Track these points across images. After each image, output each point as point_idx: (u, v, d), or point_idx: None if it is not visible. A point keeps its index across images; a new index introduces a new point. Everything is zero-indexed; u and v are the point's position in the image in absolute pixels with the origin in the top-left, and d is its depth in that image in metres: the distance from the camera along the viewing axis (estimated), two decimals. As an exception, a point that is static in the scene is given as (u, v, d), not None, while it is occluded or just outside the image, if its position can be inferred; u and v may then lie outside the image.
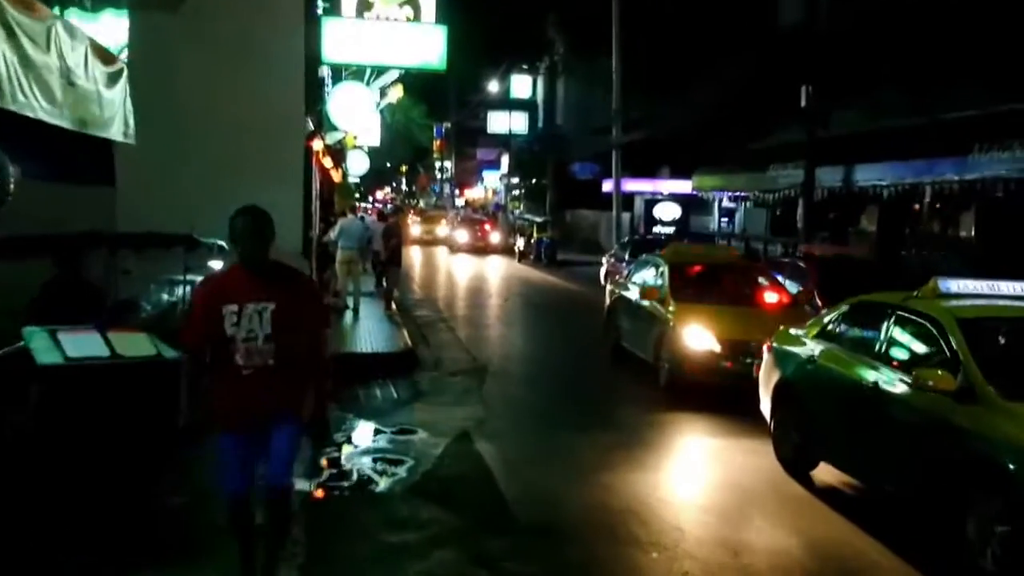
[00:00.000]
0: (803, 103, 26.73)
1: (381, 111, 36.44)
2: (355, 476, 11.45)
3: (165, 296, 12.34)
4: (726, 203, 43.78)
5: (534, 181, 64.53)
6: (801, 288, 18.10)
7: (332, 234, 24.07)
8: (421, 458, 12.17)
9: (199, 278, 12.51)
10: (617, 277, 22.13)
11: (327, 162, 25.58)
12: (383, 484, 11.18)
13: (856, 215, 31.40)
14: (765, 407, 12.76)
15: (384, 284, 26.13)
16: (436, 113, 74.53)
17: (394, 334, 20.86)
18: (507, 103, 68.48)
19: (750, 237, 34.96)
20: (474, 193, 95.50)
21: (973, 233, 25.82)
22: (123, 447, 8.78)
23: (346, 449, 12.63)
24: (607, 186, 49.04)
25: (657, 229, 44.64)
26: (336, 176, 32.62)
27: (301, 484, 10.42)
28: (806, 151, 27.36)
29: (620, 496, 10.77)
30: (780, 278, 18.43)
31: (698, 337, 15.71)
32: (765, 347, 13.10)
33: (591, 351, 20.70)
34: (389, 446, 12.88)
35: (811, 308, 16.80)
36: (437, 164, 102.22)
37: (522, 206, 68.04)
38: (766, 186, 32.09)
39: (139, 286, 12.31)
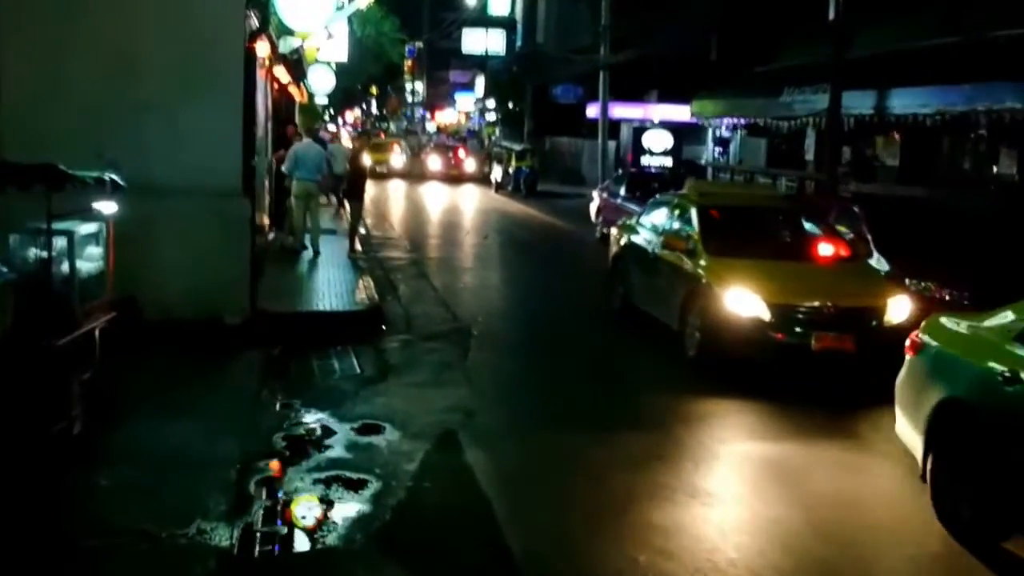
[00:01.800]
0: (831, 16, 23.25)
1: (349, 20, 32.65)
2: (298, 513, 8.08)
3: (30, 253, 8.88)
4: (723, 132, 40.44)
5: (511, 106, 60.69)
6: (852, 236, 14.78)
7: (284, 164, 20.53)
8: (390, 479, 8.86)
9: (77, 226, 9.28)
10: (624, 219, 18.65)
11: (281, 75, 21.82)
12: (335, 530, 7.81)
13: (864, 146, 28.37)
14: (910, 437, 8.87)
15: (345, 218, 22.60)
16: (408, 27, 70.20)
17: (357, 284, 17.45)
18: (484, 20, 64.47)
19: (761, 172, 30.83)
20: (446, 118, 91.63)
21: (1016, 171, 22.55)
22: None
23: (284, 461, 9.26)
24: (591, 111, 45.59)
25: (646, 160, 41.05)
26: (297, 94, 28.84)
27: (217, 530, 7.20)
28: (831, 72, 23.90)
29: (676, 554, 7.44)
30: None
31: (741, 301, 12.44)
32: (909, 343, 9.23)
33: (593, 307, 17.37)
34: (347, 455, 9.54)
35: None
36: (408, 87, 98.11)
37: (498, 132, 64.35)
38: (779, 113, 28.65)
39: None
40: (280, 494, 8.43)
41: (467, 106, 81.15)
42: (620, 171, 32.71)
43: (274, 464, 9.10)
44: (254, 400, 11.20)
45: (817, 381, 12.33)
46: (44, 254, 8.66)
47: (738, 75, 33.26)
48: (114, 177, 9.77)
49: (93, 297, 9.55)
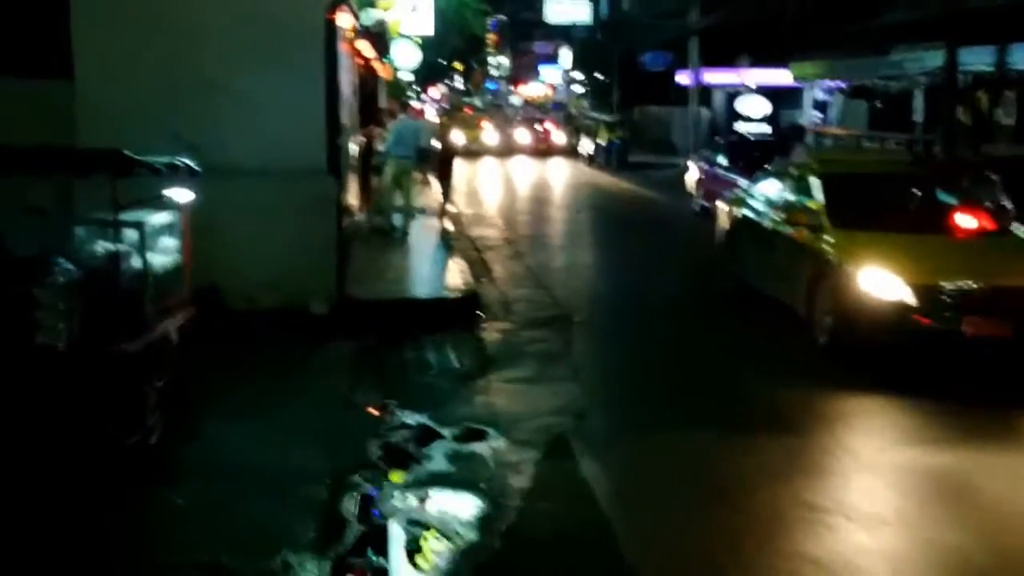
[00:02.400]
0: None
1: (432, -7, 31.71)
2: (396, 540, 7.09)
3: (98, 247, 7.97)
4: (820, 95, 38.86)
5: (598, 75, 59.23)
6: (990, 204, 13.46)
7: (381, 143, 19.58)
8: (498, 496, 7.83)
9: (146, 216, 8.35)
10: (733, 191, 17.41)
11: (365, 49, 20.85)
12: (439, 561, 6.80)
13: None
14: None
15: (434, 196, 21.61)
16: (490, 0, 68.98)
17: (451, 267, 16.46)
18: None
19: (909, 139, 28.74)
20: (531, 90, 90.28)
21: None
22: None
23: (380, 475, 8.29)
24: (681, 78, 44.11)
25: (740, 126, 39.55)
26: (382, 70, 27.90)
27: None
28: (946, 26, 22.35)
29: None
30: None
31: (879, 281, 11.21)
32: None
33: (704, 289, 16.21)
34: (449, 467, 8.55)
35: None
36: (492, 60, 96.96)
37: (585, 103, 62.96)
38: (887, 72, 27.16)
39: (52, 231, 7.94)
40: (376, 515, 7.47)
41: (552, 78, 79.68)
42: (719, 139, 31.25)
43: (368, 479, 8.14)
44: (344, 401, 10.23)
45: (970, 372, 11.07)
46: (113, 248, 7.71)
47: (839, 34, 31.71)
48: (188, 162, 8.85)
49: (168, 293, 8.64)
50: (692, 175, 27.25)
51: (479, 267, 17.54)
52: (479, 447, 8.96)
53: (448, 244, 18.85)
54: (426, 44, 40.30)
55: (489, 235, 22.31)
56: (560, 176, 40.69)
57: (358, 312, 13.00)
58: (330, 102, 12.91)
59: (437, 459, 8.69)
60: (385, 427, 9.45)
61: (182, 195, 8.83)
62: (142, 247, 8.04)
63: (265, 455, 8.34)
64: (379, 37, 22.67)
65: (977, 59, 22.78)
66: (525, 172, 41.78)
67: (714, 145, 28.97)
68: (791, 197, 13.72)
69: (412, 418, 9.69)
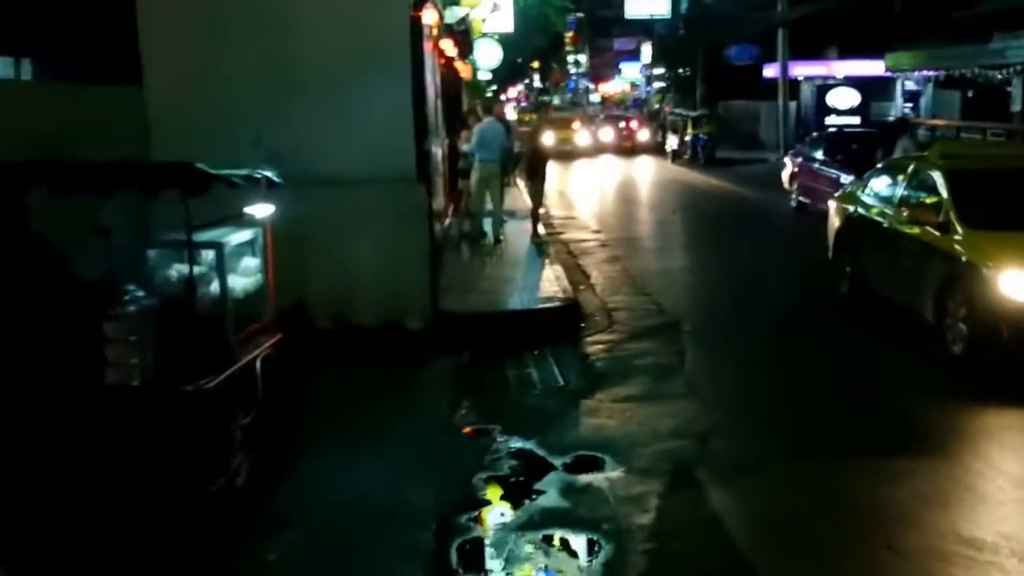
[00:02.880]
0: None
1: (514, -11, 30.87)
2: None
3: (172, 272, 7.22)
4: (910, 85, 37.61)
5: (681, 71, 58.07)
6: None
7: (466, 145, 18.81)
8: (623, 538, 7.02)
9: (224, 235, 7.60)
10: (845, 189, 16.36)
11: (448, 48, 20.06)
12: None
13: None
14: None
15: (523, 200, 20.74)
16: (571, -3, 67.88)
17: (547, 274, 15.63)
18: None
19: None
20: (610, 87, 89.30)
21: None
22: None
23: (491, 515, 7.49)
24: (768, 71, 42.92)
25: (831, 119, 38.36)
26: (464, 69, 27.12)
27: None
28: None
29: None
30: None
31: (1022, 285, 10.16)
32: None
33: (816, 292, 15.15)
34: (564, 503, 7.71)
35: None
36: (571, 58, 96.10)
37: (667, 99, 61.85)
38: (988, 61, 25.85)
39: (122, 255, 7.19)
40: (488, 564, 6.67)
41: (633, 74, 78.57)
42: (816, 132, 30.10)
43: (478, 520, 7.34)
44: (445, 426, 9.48)
45: None
46: (189, 272, 6.95)
47: (933, 23, 30.47)
48: (269, 173, 8.10)
49: (251, 319, 7.88)
50: (787, 170, 26.13)
51: (575, 273, 16.69)
52: (595, 479, 8.13)
53: (541, 249, 18.01)
54: (505, 43, 39.44)
55: (582, 238, 21.44)
56: (647, 174, 39.64)
57: (454, 326, 12.24)
58: (418, 105, 12.12)
59: (550, 494, 7.86)
60: (491, 456, 8.66)
61: (263, 210, 8.06)
62: (221, 270, 7.29)
63: (364, 495, 7.59)
64: (463, 35, 21.86)
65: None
66: (611, 171, 40.70)
67: (810, 139, 27.82)
68: (912, 194, 12.71)
69: (519, 444, 8.90)
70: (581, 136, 48.65)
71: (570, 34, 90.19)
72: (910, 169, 13.16)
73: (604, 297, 15.14)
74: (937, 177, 12.22)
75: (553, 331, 12.73)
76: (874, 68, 36.85)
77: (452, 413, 9.84)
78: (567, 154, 44.73)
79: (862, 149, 22.11)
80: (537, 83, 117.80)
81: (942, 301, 11.24)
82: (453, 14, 19.88)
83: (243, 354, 7.45)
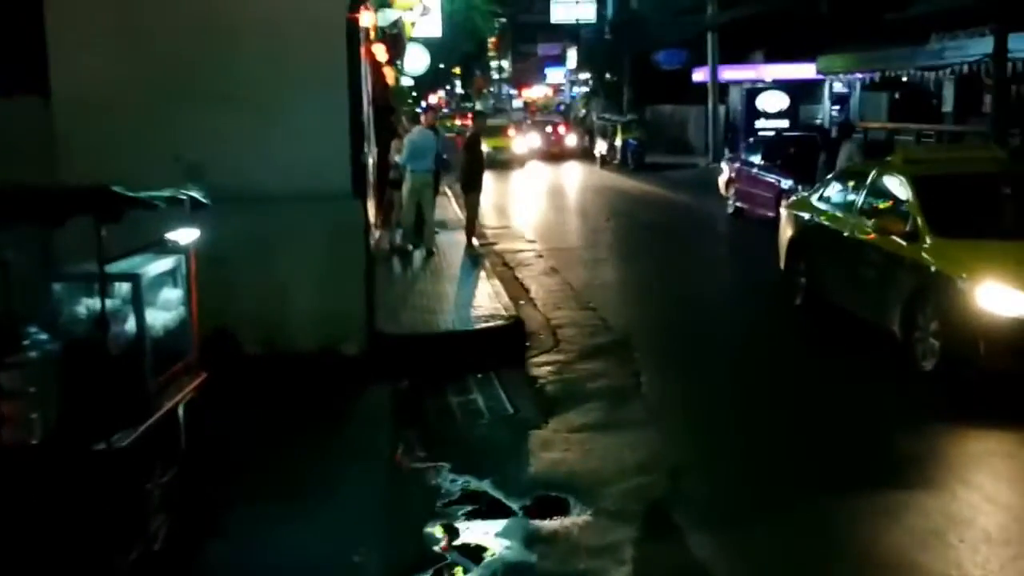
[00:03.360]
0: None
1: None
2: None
3: (80, 309, 6.30)
4: (838, 88, 37.38)
5: (607, 76, 57.48)
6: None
7: (398, 155, 17.93)
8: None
9: (142, 266, 6.72)
10: (796, 195, 15.77)
11: (380, 53, 19.13)
12: None
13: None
14: None
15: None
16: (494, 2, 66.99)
17: (485, 289, 14.84)
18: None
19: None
20: (533, 93, 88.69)
21: None
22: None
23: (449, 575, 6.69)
24: (697, 75, 42.49)
25: (760, 123, 38.00)
26: (389, 75, 26.16)
27: None
28: (996, 11, 20.73)
29: None
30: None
31: (1002, 297, 9.60)
32: None
33: (770, 305, 14.51)
34: (528, 557, 6.92)
35: None
36: (493, 64, 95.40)
37: (592, 104, 61.31)
38: (927, 62, 25.49)
39: (21, 291, 6.27)
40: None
41: (558, 79, 78.00)
42: (752, 138, 29.61)
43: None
44: (389, 465, 8.64)
45: None
46: (100, 309, 6.03)
47: (862, 25, 30.15)
48: (193, 193, 7.23)
49: (173, 358, 7.00)
50: (723, 175, 25.55)
51: (514, 287, 15.86)
52: (561, 524, 7.35)
53: (476, 262, 17.22)
54: (431, 48, 38.56)
55: (517, 248, 20.67)
56: (577, 180, 38.97)
57: (391, 350, 11.39)
58: (354, 114, 11.21)
59: (513, 545, 7.07)
60: (442, 500, 7.85)
61: (187, 234, 7.18)
62: (138, 305, 6.40)
63: (302, 556, 6.73)
64: (394, 40, 20.92)
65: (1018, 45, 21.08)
66: (541, 178, 39.89)
67: (747, 143, 27.30)
68: (875, 201, 12.13)
69: (472, 485, 8.09)
70: (518, 143, 46.27)
71: (493, 39, 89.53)
72: (871, 175, 12.55)
73: (547, 313, 14.37)
74: (903, 184, 11.63)
75: (497, 352, 11.95)
76: (803, 71, 36.57)
77: (395, 450, 9.02)
78: (503, 163, 43.06)
79: (802, 154, 21.59)
80: (459, 89, 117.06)
81: (910, 314, 10.64)
82: (386, 17, 18.95)
83: (163, 401, 6.57)
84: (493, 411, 10.14)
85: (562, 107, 73.00)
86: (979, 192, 11.65)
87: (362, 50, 14.43)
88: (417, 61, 32.06)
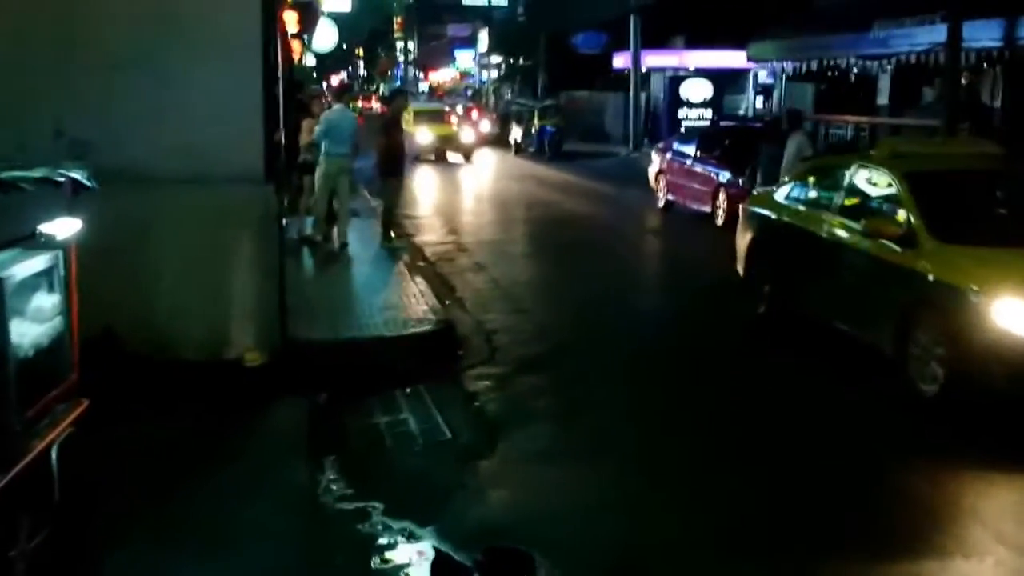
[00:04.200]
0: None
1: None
2: None
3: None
4: (762, 78, 36.69)
5: (521, 59, 56.11)
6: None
7: (308, 136, 16.35)
8: None
9: (12, 265, 5.18)
10: (756, 191, 14.52)
11: (291, 23, 17.53)
12: None
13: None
14: None
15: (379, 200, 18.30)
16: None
17: (408, 288, 13.41)
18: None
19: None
20: (440, 76, 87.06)
21: None
22: None
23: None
24: (618, 61, 41.36)
25: (684, 112, 37.11)
26: (296, 50, 24.52)
27: None
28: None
29: None
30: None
31: (1021, 314, 8.39)
32: None
33: (723, 311, 13.16)
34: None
35: None
36: (399, 45, 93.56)
37: (504, 88, 60.03)
38: (869, 51, 24.55)
39: None
40: None
41: (467, 63, 76.39)
42: (685, 127, 28.55)
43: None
44: (307, 507, 7.18)
45: None
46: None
47: (796, 12, 29.26)
48: (75, 173, 5.77)
49: (47, 383, 5.52)
50: (653, 166, 24.29)
51: (438, 285, 14.39)
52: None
53: (395, 256, 15.79)
54: (339, 24, 36.81)
55: (437, 241, 19.24)
56: (493, 168, 37.46)
57: (305, 358, 9.94)
58: (267, 85, 9.67)
59: (468, 621, 5.69)
60: (378, 555, 6.45)
61: (67, 226, 5.70)
62: (1, 317, 4.93)
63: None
64: (305, 9, 19.27)
65: (983, 34, 20.22)
66: (453, 164, 38.15)
67: (682, 133, 26.10)
68: (857, 201, 10.91)
69: (412, 533, 6.69)
70: (465, 132, 40.44)
71: (399, 20, 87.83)
72: (850, 171, 11.31)
73: (477, 315, 12.98)
74: (892, 181, 10.38)
75: (427, 362, 10.58)
76: (729, 59, 35.70)
77: (313, 485, 7.56)
78: (443, 154, 38.93)
79: (742, 145, 20.41)
80: (362, 71, 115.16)
81: (905, 330, 9.40)
82: (298, -15, 17.36)
83: (33, 442, 5.10)
84: (427, 435, 8.74)
85: (469, 92, 71.49)
86: (979, 192, 10.53)
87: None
88: (326, 38, 30.47)
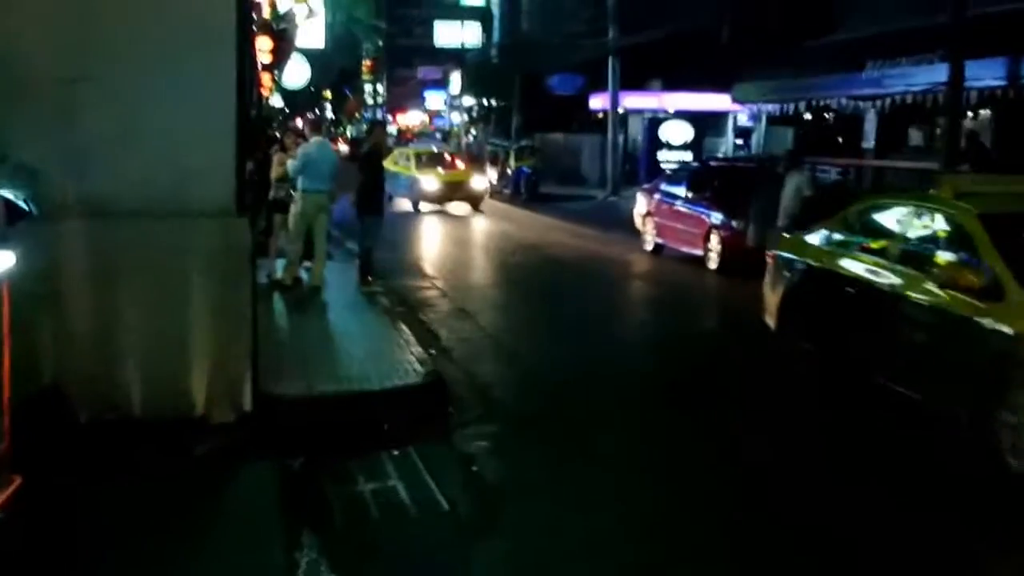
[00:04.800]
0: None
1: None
2: None
3: None
4: (742, 121, 36.08)
5: (494, 101, 55.16)
6: None
7: (289, 166, 15.10)
8: None
9: None
10: (794, 235, 13.06)
11: (263, 50, 16.36)
12: None
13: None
14: None
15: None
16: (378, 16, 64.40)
17: (390, 335, 12.28)
18: (455, 12, 59.35)
19: None
20: (409, 119, 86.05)
21: None
22: None
23: None
24: (595, 102, 40.57)
25: (663, 154, 36.45)
26: (266, 84, 23.37)
27: None
28: (951, 34, 19.14)
29: None
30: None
31: None
32: None
33: (752, 368, 12.01)
34: None
35: None
36: (368, 87, 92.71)
37: (476, 130, 59.16)
38: (860, 91, 23.85)
39: None
40: None
41: (438, 105, 75.41)
42: (673, 168, 27.73)
43: None
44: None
45: None
46: None
47: (782, 53, 28.55)
48: (10, 196, 4.66)
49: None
50: (640, 208, 23.24)
51: (421, 332, 13.18)
52: None
53: (374, 301, 14.66)
54: (312, 63, 35.73)
55: (417, 285, 18.07)
56: (468, 210, 36.16)
57: (279, 415, 8.81)
58: (241, 108, 8.51)
59: None
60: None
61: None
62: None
63: None
64: (281, 36, 18.11)
65: (985, 72, 19.52)
66: (427, 207, 36.65)
67: (670, 174, 25.12)
68: (921, 247, 9.82)
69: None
70: (476, 179, 35.42)
71: (368, 62, 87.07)
72: (907, 212, 10.26)
73: (465, 366, 11.84)
74: (964, 225, 9.23)
75: (414, 418, 9.48)
76: (709, 101, 35.07)
77: (291, 567, 6.38)
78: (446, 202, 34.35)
79: (733, 186, 19.50)
80: (329, 113, 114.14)
81: (991, 398, 8.24)
82: (284, 3, 16.13)
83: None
84: (421, 506, 7.60)
85: (438, 135, 70.48)
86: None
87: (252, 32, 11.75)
88: (297, 74, 29.43)
